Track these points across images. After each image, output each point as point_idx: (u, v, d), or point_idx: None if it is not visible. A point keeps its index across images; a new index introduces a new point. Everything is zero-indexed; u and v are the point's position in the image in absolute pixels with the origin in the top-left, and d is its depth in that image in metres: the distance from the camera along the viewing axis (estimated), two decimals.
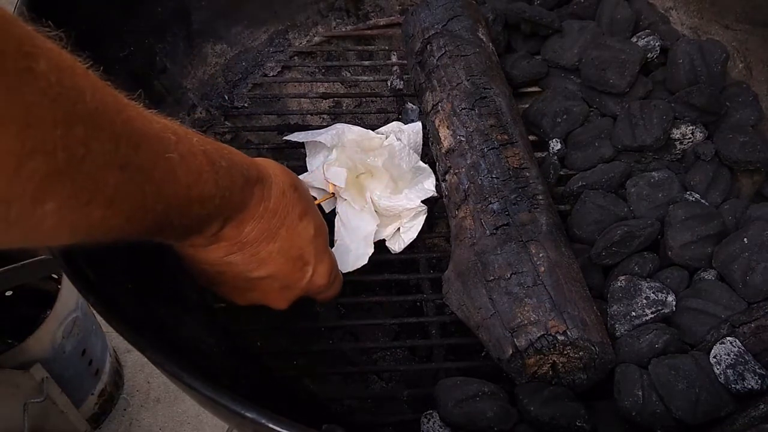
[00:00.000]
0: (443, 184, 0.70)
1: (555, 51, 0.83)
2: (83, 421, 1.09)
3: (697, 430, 0.53)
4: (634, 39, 0.81)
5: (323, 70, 0.96)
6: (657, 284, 0.61)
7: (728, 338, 0.55)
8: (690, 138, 0.72)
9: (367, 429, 0.61)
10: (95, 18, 0.70)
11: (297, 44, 0.96)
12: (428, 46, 0.78)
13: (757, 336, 0.55)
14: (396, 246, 0.71)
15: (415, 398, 0.61)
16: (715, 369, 0.54)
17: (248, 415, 0.39)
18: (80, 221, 0.31)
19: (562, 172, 0.75)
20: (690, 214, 0.64)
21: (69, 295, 1.01)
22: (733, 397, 0.53)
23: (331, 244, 0.69)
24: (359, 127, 0.75)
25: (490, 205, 0.62)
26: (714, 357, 0.54)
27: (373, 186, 0.72)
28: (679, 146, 0.73)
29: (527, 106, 0.80)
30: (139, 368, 1.22)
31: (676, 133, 0.72)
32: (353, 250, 0.68)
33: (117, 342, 1.20)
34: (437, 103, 0.73)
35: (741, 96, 0.75)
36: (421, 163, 0.73)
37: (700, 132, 0.72)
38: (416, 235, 0.71)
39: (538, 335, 0.53)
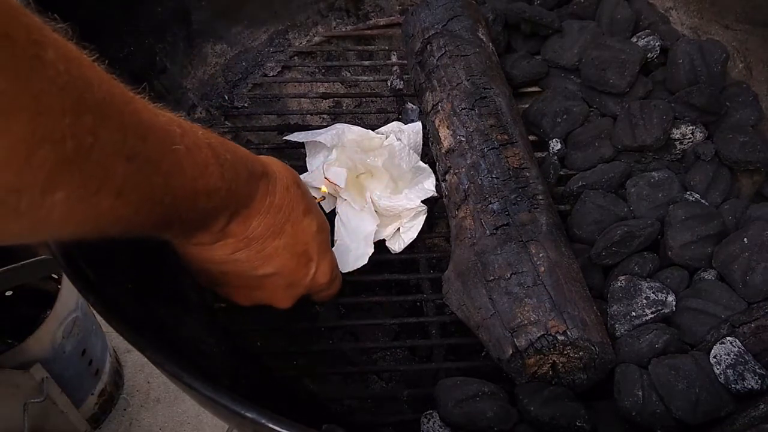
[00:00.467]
0: (443, 184, 0.70)
1: (555, 51, 0.83)
2: (83, 421, 1.09)
3: (697, 430, 0.53)
4: (634, 39, 0.81)
5: (323, 70, 0.96)
6: (657, 284, 0.61)
7: (728, 338, 0.55)
8: (690, 138, 0.72)
9: (367, 429, 0.61)
10: (95, 18, 0.70)
11: (297, 44, 0.96)
12: (428, 46, 0.78)
13: (757, 336, 0.55)
14: (396, 246, 0.71)
15: (415, 398, 0.61)
16: (715, 369, 0.54)
17: (248, 415, 0.39)
18: (89, 211, 0.32)
19: (562, 172, 0.75)
20: (690, 214, 0.64)
21: (69, 295, 1.01)
22: (733, 397, 0.53)
23: (331, 244, 0.69)
24: (359, 127, 0.75)
25: (490, 205, 0.62)
26: (714, 357, 0.54)
27: (373, 186, 0.72)
28: (679, 146, 0.73)
29: (527, 106, 0.80)
30: (139, 368, 1.22)
31: (676, 133, 0.72)
32: (353, 250, 0.68)
33: (117, 342, 1.20)
34: (437, 103, 0.73)
35: (741, 96, 0.75)
36: (421, 163, 0.73)
37: (700, 132, 0.72)
38: (416, 235, 0.71)
39: (538, 335, 0.53)
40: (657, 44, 0.80)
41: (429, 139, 0.75)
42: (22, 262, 0.90)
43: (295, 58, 0.95)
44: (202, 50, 0.88)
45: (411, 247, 0.72)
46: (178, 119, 0.40)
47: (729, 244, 0.62)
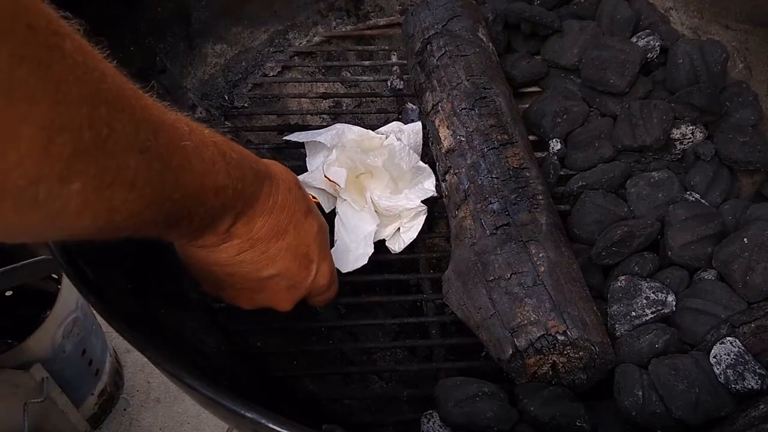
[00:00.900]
0: (443, 184, 0.70)
1: (555, 51, 0.83)
2: (83, 421, 1.09)
3: (697, 430, 0.53)
4: (634, 39, 0.81)
5: (323, 70, 0.96)
6: (657, 284, 0.61)
7: (728, 338, 0.55)
8: (690, 138, 0.72)
9: (367, 429, 0.61)
10: (95, 18, 0.69)
11: (297, 44, 0.96)
12: (428, 46, 0.78)
13: (757, 336, 0.55)
14: (396, 246, 0.71)
15: (415, 398, 0.61)
16: (715, 369, 0.54)
17: (248, 415, 0.39)
18: (103, 204, 0.32)
19: (562, 172, 0.75)
20: (690, 214, 0.64)
21: (69, 295, 1.01)
22: (733, 397, 0.53)
23: (331, 244, 0.69)
24: (359, 127, 0.75)
25: (490, 205, 0.62)
26: (714, 357, 0.54)
27: (373, 186, 0.72)
28: (679, 146, 0.73)
29: (527, 106, 0.80)
30: (139, 368, 1.22)
31: (676, 133, 0.72)
32: (353, 250, 0.68)
33: (117, 342, 1.20)
34: (437, 103, 0.73)
35: (741, 96, 0.75)
36: (421, 163, 0.73)
37: (700, 132, 0.72)
38: (416, 235, 0.71)
39: (538, 335, 0.53)
40: (657, 44, 0.80)
41: (429, 139, 0.75)
42: (22, 262, 0.90)
43: (295, 58, 0.95)
44: (202, 50, 0.88)
45: (411, 247, 0.71)
46: (185, 118, 0.40)
47: (729, 244, 0.62)
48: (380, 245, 0.71)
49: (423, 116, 0.78)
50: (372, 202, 0.70)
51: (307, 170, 0.75)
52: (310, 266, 0.54)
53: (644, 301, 0.60)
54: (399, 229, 0.72)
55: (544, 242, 0.59)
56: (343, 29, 1.00)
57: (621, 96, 0.76)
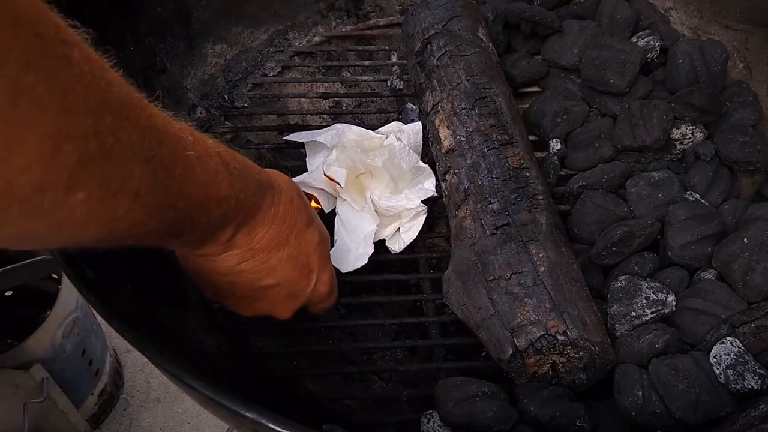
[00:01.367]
0: (443, 184, 0.70)
1: (555, 51, 0.83)
2: (83, 421, 1.09)
3: (697, 430, 0.53)
4: (634, 39, 0.81)
5: (323, 70, 0.96)
6: (657, 284, 0.61)
7: (728, 338, 0.55)
8: (690, 138, 0.72)
9: (367, 429, 0.61)
10: (95, 18, 0.70)
11: (297, 44, 0.96)
12: (428, 46, 0.78)
13: (757, 336, 0.55)
14: (396, 246, 0.71)
15: (415, 398, 0.61)
16: (715, 369, 0.54)
17: (248, 415, 0.39)
18: (107, 213, 0.32)
19: (562, 172, 0.75)
20: (690, 214, 0.64)
21: (69, 295, 1.01)
22: (733, 397, 0.53)
23: (332, 244, 0.69)
24: (359, 127, 0.75)
25: (490, 205, 0.62)
26: (714, 357, 0.54)
27: (373, 186, 0.72)
28: (679, 146, 0.73)
29: (527, 106, 0.80)
30: (139, 368, 1.22)
31: (676, 133, 0.72)
32: (353, 250, 0.68)
33: (117, 342, 1.20)
34: (437, 103, 0.73)
35: (741, 96, 0.75)
36: (421, 163, 0.73)
37: (700, 132, 0.72)
38: (416, 235, 0.71)
39: (538, 335, 0.53)
40: (657, 44, 0.80)
41: (429, 139, 0.75)
42: (22, 262, 0.90)
43: (295, 58, 0.95)
44: (202, 50, 0.88)
45: (411, 247, 0.71)
46: (189, 128, 0.40)
47: (729, 244, 0.62)
48: (380, 245, 0.71)
49: (423, 116, 0.78)
50: (372, 202, 0.70)
51: (307, 170, 0.75)
52: (310, 276, 0.54)
53: (644, 301, 0.60)
54: (399, 229, 0.72)
55: (544, 242, 0.59)
56: (343, 29, 1.00)
57: (621, 96, 0.76)
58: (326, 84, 0.94)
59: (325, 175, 0.70)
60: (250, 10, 0.92)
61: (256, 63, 0.92)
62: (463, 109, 0.70)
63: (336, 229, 0.70)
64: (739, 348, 0.54)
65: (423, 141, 0.76)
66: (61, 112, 0.27)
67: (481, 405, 0.53)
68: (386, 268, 0.71)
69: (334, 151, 0.73)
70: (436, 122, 0.72)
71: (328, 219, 0.72)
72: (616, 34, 0.82)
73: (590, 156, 0.74)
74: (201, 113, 0.85)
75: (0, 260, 0.90)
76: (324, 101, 0.93)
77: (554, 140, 0.76)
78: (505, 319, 0.55)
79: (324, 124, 0.83)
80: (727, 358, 0.54)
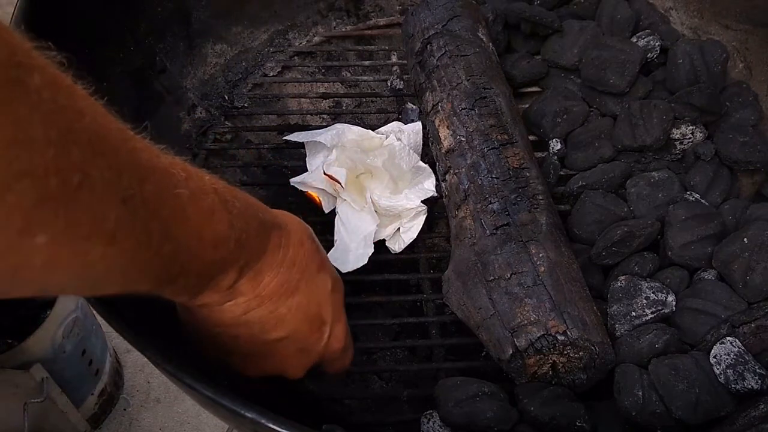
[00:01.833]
0: (443, 184, 0.70)
1: (555, 51, 0.83)
2: (83, 421, 1.09)
3: (697, 430, 0.53)
4: (634, 39, 0.81)
5: (323, 70, 0.96)
6: (657, 284, 0.61)
7: (728, 338, 0.55)
8: (690, 138, 0.72)
9: (367, 429, 0.61)
10: (95, 18, 0.70)
11: (297, 44, 0.96)
12: (428, 46, 0.78)
13: (757, 336, 0.55)
14: (396, 246, 0.71)
15: (415, 398, 0.61)
16: (715, 369, 0.54)
17: (248, 415, 0.39)
18: (76, 260, 0.28)
19: (562, 172, 0.75)
20: (690, 214, 0.64)
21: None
22: (733, 397, 0.53)
23: (332, 244, 0.69)
24: (359, 127, 0.75)
25: (490, 205, 0.62)
26: (714, 357, 0.54)
27: (373, 186, 0.72)
28: (679, 146, 0.73)
29: (527, 106, 0.80)
30: (139, 368, 1.22)
31: (676, 133, 0.72)
32: (353, 250, 0.68)
33: (117, 342, 1.20)
34: (437, 103, 0.73)
35: (741, 96, 0.75)
36: (421, 163, 0.73)
37: (700, 132, 0.72)
38: (416, 235, 0.71)
39: (538, 335, 0.53)
40: (657, 44, 0.80)
41: (429, 139, 0.75)
42: None
43: (295, 58, 0.95)
44: (202, 50, 0.88)
45: (411, 247, 0.71)
46: (182, 162, 0.37)
47: (729, 244, 0.62)
48: (380, 245, 0.71)
49: (423, 116, 0.78)
50: (372, 202, 0.70)
51: (307, 170, 0.75)
52: (323, 328, 0.49)
53: (644, 301, 0.60)
54: (399, 229, 0.72)
55: (544, 242, 0.59)
56: (343, 29, 1.00)
57: (621, 96, 0.76)
58: (326, 84, 0.94)
59: (325, 174, 0.70)
60: (250, 10, 0.92)
61: (256, 63, 0.92)
62: (463, 109, 0.70)
63: (336, 229, 0.70)
64: (739, 348, 0.54)
65: (423, 141, 0.76)
66: (13, 145, 0.24)
67: (481, 405, 0.53)
68: (386, 268, 0.71)
69: (334, 151, 0.73)
70: (436, 122, 0.72)
71: (328, 219, 0.72)
72: (616, 34, 0.82)
73: (590, 156, 0.74)
74: (201, 113, 0.85)
75: None
76: (324, 101, 0.93)
77: (554, 140, 0.76)
78: (505, 319, 0.55)
79: (324, 124, 0.83)
80: (727, 358, 0.54)
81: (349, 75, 0.96)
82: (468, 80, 0.72)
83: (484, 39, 0.78)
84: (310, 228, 0.51)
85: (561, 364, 0.55)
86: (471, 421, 0.53)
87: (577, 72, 0.81)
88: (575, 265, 0.60)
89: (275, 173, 0.83)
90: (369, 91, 0.93)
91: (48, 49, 0.27)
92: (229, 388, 0.42)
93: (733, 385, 0.53)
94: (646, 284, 0.61)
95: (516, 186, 0.63)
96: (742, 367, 0.53)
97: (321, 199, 0.72)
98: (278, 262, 0.45)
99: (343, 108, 0.94)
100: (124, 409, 1.18)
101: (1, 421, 0.98)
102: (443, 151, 0.70)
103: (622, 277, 0.62)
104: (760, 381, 0.53)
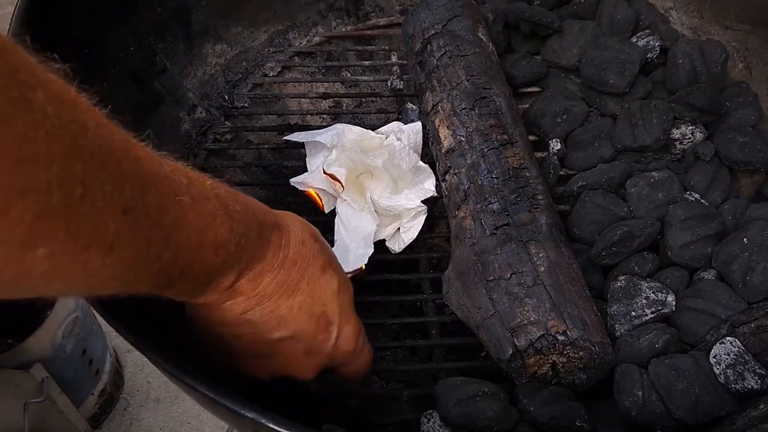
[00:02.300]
0: (443, 184, 0.70)
1: (555, 51, 0.83)
2: (83, 421, 1.09)
3: (697, 430, 0.53)
4: (634, 39, 0.81)
5: (323, 70, 0.96)
6: (657, 284, 0.61)
7: (728, 338, 0.55)
8: (690, 138, 0.72)
9: (367, 429, 0.61)
10: (95, 18, 0.70)
11: (297, 44, 0.96)
12: (428, 46, 0.78)
13: (757, 336, 0.55)
14: (396, 246, 0.71)
15: (415, 398, 0.61)
16: (715, 369, 0.54)
17: (248, 415, 0.39)
18: (76, 269, 0.29)
19: (562, 172, 0.75)
20: (690, 214, 0.64)
21: None
22: (733, 397, 0.53)
23: (332, 244, 0.69)
24: (359, 127, 0.75)
25: (490, 205, 0.62)
26: (714, 357, 0.54)
27: (373, 186, 0.72)
28: (679, 146, 0.73)
29: (527, 106, 0.80)
30: (139, 368, 1.22)
31: (676, 133, 0.72)
32: (353, 250, 0.68)
33: (117, 342, 1.20)
34: (437, 103, 0.73)
35: (741, 96, 0.75)
36: (421, 163, 0.73)
37: (700, 132, 0.72)
38: (416, 235, 0.71)
39: (538, 335, 0.53)
40: (657, 44, 0.80)
41: (429, 139, 0.75)
42: None
43: (295, 58, 0.95)
44: (202, 50, 0.88)
45: (411, 247, 0.71)
46: (184, 168, 0.37)
47: (729, 244, 0.62)
48: (380, 245, 0.71)
49: (423, 116, 0.78)
50: (372, 202, 0.70)
51: (307, 170, 0.75)
52: (330, 328, 0.49)
53: (644, 301, 0.60)
54: (399, 229, 0.72)
55: (544, 242, 0.59)
56: (343, 29, 1.00)
57: (621, 96, 0.76)
58: (326, 84, 0.94)
59: (325, 173, 0.70)
60: (250, 10, 0.92)
61: (256, 63, 0.92)
62: (463, 109, 0.70)
63: (336, 229, 0.70)
64: (739, 348, 0.54)
65: (423, 141, 0.76)
66: (16, 164, 0.24)
67: (481, 405, 0.53)
68: (386, 268, 0.71)
69: (334, 151, 0.73)
70: (436, 122, 0.72)
71: (328, 219, 0.72)
72: (616, 34, 0.82)
73: (590, 156, 0.74)
74: (201, 113, 0.85)
75: None
76: (324, 101, 0.93)
77: (554, 140, 0.76)
78: (505, 319, 0.55)
79: (324, 124, 0.83)
80: (727, 358, 0.54)
81: (349, 75, 0.96)
82: (468, 80, 0.72)
83: (484, 39, 0.78)
84: (316, 228, 0.50)
85: (561, 364, 0.55)
86: (471, 421, 0.53)
87: (577, 72, 0.81)
88: (575, 265, 0.60)
89: (275, 173, 0.84)
90: (369, 91, 0.93)
91: (52, 60, 0.27)
92: (229, 388, 0.42)
93: (733, 385, 0.53)
94: (646, 284, 0.61)
95: (516, 186, 0.63)
96: (742, 367, 0.53)
97: (321, 199, 0.72)
98: (278, 262, 0.45)
99: (343, 108, 0.94)
100: (124, 409, 1.18)
101: (1, 421, 0.98)
102: (443, 151, 0.70)
103: (622, 277, 0.62)
104: (760, 381, 0.53)
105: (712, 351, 0.55)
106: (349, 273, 0.63)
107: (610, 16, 0.83)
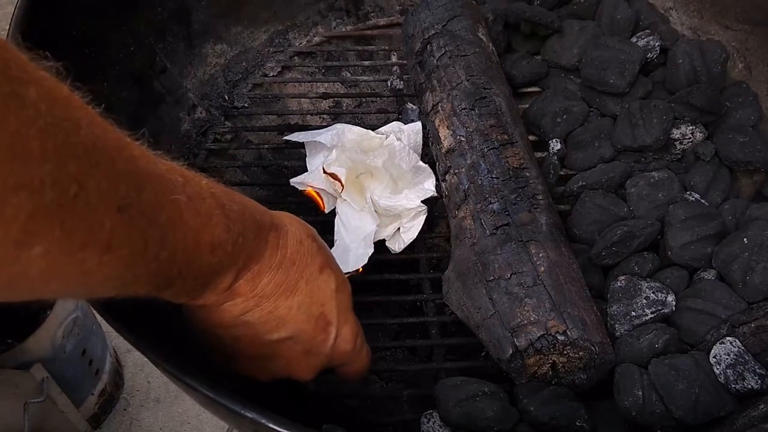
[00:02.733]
0: (443, 184, 0.70)
1: (555, 51, 0.83)
2: (83, 421, 1.09)
3: (697, 430, 0.53)
4: (634, 39, 0.81)
5: (323, 70, 0.96)
6: (657, 284, 0.61)
7: (728, 338, 0.55)
8: (690, 138, 0.72)
9: (367, 429, 0.61)
10: (95, 18, 0.70)
11: (297, 44, 0.96)
12: (428, 46, 0.78)
13: (757, 336, 0.55)
14: (396, 246, 0.71)
15: (415, 398, 0.61)
16: (715, 369, 0.54)
17: (248, 415, 0.39)
18: (73, 268, 0.29)
19: (562, 172, 0.75)
20: (690, 214, 0.64)
21: None
22: (733, 397, 0.53)
23: (331, 244, 0.69)
24: (359, 127, 0.75)
25: (490, 205, 0.62)
26: (714, 357, 0.54)
27: (373, 186, 0.72)
28: (679, 146, 0.73)
29: (527, 106, 0.80)
30: (139, 368, 1.22)
31: (676, 133, 0.72)
32: (353, 250, 0.68)
33: (117, 342, 1.20)
34: (437, 103, 0.73)
35: (741, 96, 0.75)
36: (421, 163, 0.73)
37: (700, 132, 0.72)
38: (416, 235, 0.71)
39: (538, 335, 0.53)
40: (657, 44, 0.80)
41: (429, 139, 0.75)
42: None
43: (295, 58, 0.95)
44: (202, 50, 0.88)
45: (411, 247, 0.71)
46: (180, 168, 0.37)
47: (729, 244, 0.62)
48: (380, 245, 0.71)
49: (423, 116, 0.78)
50: (372, 202, 0.70)
51: (307, 170, 0.75)
52: (328, 329, 0.49)
53: (644, 301, 0.60)
54: (399, 229, 0.72)
55: (544, 242, 0.59)
56: (343, 29, 1.00)
57: (621, 96, 0.76)
58: (326, 84, 0.94)
59: (325, 172, 0.70)
60: (250, 10, 0.92)
61: (256, 63, 0.92)
62: (463, 109, 0.70)
63: (336, 229, 0.70)
64: (739, 348, 0.54)
65: (423, 141, 0.76)
66: (9, 161, 0.24)
67: (481, 405, 0.53)
68: (386, 268, 0.71)
69: (334, 151, 0.73)
70: (436, 122, 0.72)
71: (328, 219, 0.72)
72: (616, 34, 0.82)
73: (590, 156, 0.74)
74: (201, 113, 0.85)
75: None
76: (324, 101, 0.93)
77: (554, 140, 0.76)
78: (505, 319, 0.55)
79: (324, 124, 0.83)
80: (727, 358, 0.54)
81: (349, 75, 0.96)
82: (468, 80, 0.72)
83: (484, 39, 0.78)
84: (313, 228, 0.50)
85: (561, 364, 0.55)
86: (471, 421, 0.53)
87: (577, 72, 0.81)
88: (575, 265, 0.60)
89: (275, 173, 0.84)
90: (369, 91, 0.93)
91: (45, 58, 0.27)
92: (229, 388, 0.42)
93: (732, 385, 0.53)
94: (646, 284, 0.61)
95: (516, 186, 0.63)
96: (741, 367, 0.53)
97: (321, 198, 0.72)
98: (276, 262, 0.45)
99: (343, 108, 0.94)
100: (124, 409, 1.18)
101: (1, 421, 0.98)
102: (443, 151, 0.70)
103: (622, 277, 0.62)
104: (759, 381, 0.53)
105: (712, 351, 0.55)
106: (347, 273, 0.63)
107: (610, 16, 0.83)
